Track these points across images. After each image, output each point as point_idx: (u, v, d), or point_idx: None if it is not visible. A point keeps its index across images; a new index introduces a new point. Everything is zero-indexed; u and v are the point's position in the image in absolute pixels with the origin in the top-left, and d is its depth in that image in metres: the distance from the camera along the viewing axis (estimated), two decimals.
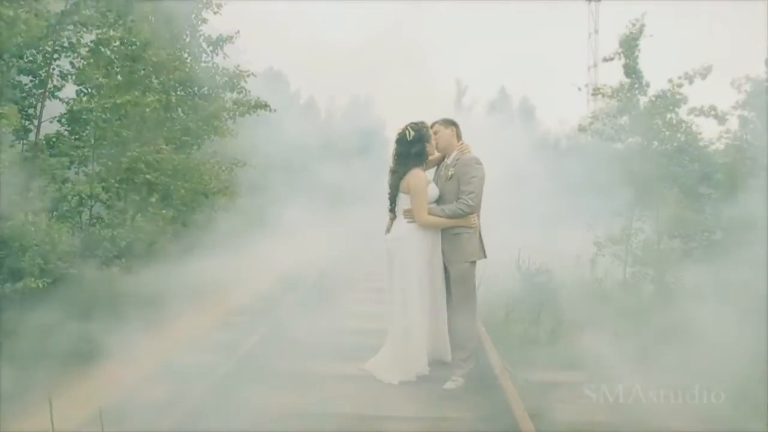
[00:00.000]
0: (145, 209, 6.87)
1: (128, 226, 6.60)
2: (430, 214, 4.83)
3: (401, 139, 5.00)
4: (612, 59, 10.29)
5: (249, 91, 9.29)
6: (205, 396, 4.17)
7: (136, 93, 6.62)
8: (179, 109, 8.81)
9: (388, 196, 5.08)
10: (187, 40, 9.32)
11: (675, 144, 9.36)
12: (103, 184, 6.56)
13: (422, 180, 4.90)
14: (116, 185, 6.74)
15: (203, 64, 9.38)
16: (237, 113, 9.47)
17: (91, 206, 7.03)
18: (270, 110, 9.62)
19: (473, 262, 4.95)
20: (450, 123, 5.17)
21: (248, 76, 9.42)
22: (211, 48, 9.46)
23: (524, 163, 12.69)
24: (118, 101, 6.33)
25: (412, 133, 4.97)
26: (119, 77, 6.89)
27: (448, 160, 5.04)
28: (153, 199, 7.04)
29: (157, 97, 6.77)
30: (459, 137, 5.13)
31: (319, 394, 4.64)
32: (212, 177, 8.75)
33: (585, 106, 21.02)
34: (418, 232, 4.86)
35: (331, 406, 4.44)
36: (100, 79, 6.80)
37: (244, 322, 6.68)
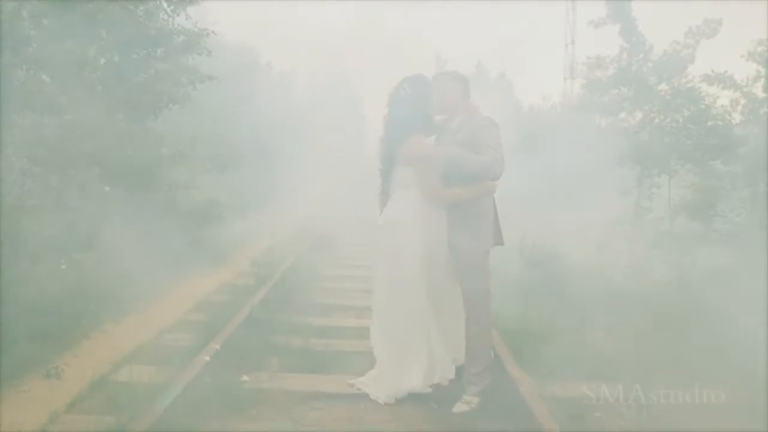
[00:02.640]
0: (84, 187, 5.69)
1: (62, 209, 5.44)
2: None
3: (396, 100, 3.94)
4: (603, 24, 9.37)
5: (210, 52, 8.13)
6: None
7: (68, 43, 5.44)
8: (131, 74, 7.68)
9: (379, 171, 4.03)
10: None
11: (684, 114, 8.52)
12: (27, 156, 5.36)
13: (428, 146, 3.87)
14: (47, 157, 5.54)
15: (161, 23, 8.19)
16: (196, 80, 8.34)
17: (22, 185, 5.89)
18: (212, 80, 8.52)
19: (487, 251, 3.95)
20: (457, 77, 4.11)
21: (207, 34, 8.27)
22: (171, 8, 8.24)
23: (514, 139, 11.77)
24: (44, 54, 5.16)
25: (409, 90, 3.91)
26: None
27: (454, 124, 4.00)
28: (93, 175, 5.86)
29: (94, 49, 5.59)
30: (467, 96, 4.09)
31: None
32: (171, 151, 7.61)
33: (563, 84, 20.01)
34: (419, 212, 3.82)
35: None
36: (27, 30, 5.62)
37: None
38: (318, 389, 4.05)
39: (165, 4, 8.17)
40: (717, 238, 7.43)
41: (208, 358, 4.03)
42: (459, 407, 3.79)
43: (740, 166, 7.66)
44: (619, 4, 9.04)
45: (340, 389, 4.05)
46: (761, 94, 7.95)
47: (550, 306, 5.82)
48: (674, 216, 7.82)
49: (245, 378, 4.15)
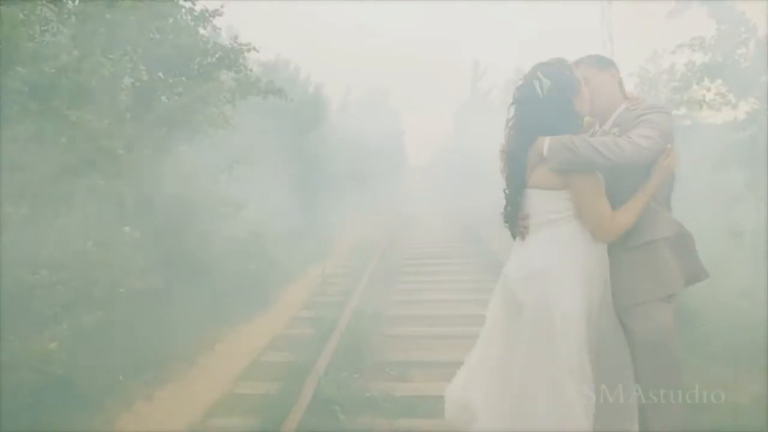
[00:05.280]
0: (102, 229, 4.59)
1: (76, 257, 4.35)
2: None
3: (528, 97, 2.62)
4: (686, 8, 8.04)
5: (251, 70, 7.08)
6: None
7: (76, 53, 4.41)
8: (161, 95, 6.72)
9: (505, 199, 2.77)
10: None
11: None
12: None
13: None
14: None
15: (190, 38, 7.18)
16: (238, 95, 7.26)
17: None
18: (287, 99, 7.44)
19: (671, 297, 2.66)
20: (607, 63, 2.84)
21: (248, 50, 7.19)
22: (194, 23, 7.24)
23: None
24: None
25: (547, 82, 2.61)
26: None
27: (607, 125, 2.76)
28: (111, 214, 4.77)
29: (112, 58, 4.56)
30: (622, 85, 2.84)
31: None
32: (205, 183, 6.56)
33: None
34: (576, 257, 2.56)
35: None
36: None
37: None
38: None
39: (188, 18, 7.19)
40: None
41: None
42: None
43: None
44: None
45: None
46: None
47: (695, 356, 4.51)
48: None
49: None
